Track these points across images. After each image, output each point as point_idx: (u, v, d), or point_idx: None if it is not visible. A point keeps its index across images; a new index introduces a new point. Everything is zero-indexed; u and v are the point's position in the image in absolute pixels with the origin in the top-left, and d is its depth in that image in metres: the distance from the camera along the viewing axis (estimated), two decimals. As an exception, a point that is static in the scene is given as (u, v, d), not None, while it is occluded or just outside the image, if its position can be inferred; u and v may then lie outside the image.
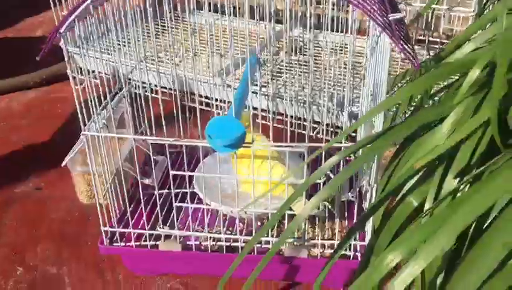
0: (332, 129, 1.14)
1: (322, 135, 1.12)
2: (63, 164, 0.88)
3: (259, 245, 0.84)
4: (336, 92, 1.16)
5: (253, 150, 0.73)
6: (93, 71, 0.84)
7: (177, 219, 0.87)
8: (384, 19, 0.64)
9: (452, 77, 0.69)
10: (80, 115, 0.75)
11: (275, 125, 0.90)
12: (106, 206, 0.86)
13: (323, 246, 0.83)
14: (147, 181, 0.91)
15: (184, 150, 0.74)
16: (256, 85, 0.95)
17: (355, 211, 0.86)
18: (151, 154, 0.93)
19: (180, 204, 0.80)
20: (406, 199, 0.64)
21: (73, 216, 1.05)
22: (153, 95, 1.15)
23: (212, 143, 0.71)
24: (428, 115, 0.55)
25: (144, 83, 0.91)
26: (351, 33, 0.73)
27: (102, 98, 0.81)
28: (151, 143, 0.99)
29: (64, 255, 0.98)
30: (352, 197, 0.87)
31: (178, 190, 0.89)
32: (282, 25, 1.50)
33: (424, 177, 0.64)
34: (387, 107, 0.68)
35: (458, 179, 0.59)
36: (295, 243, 0.82)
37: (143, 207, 0.83)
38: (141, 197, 0.82)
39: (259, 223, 0.88)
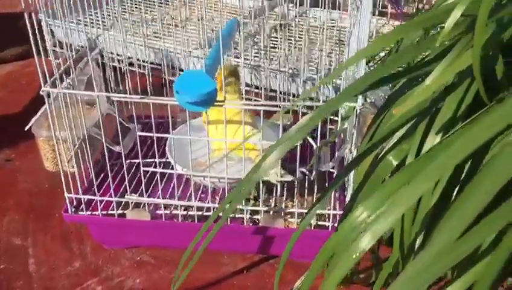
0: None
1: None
2: (27, 127, 0.83)
3: (233, 215, 0.80)
4: (323, 66, 1.12)
5: (226, 108, 0.68)
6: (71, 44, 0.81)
7: (149, 189, 0.82)
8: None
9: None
10: (40, 75, 0.70)
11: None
12: (74, 174, 0.81)
13: (301, 215, 0.78)
14: (117, 149, 0.85)
15: (152, 112, 0.69)
16: (236, 49, 0.90)
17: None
18: (119, 119, 0.88)
19: (146, 168, 0.75)
20: (385, 158, 0.59)
21: (42, 187, 1.00)
22: (132, 68, 1.11)
23: (179, 99, 0.66)
24: (408, 56, 0.50)
25: (115, 53, 0.86)
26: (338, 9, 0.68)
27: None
28: (124, 113, 0.95)
29: (31, 227, 0.93)
30: (333, 167, 0.82)
31: (150, 160, 0.84)
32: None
33: (406, 135, 0.59)
34: (364, 56, 0.63)
35: (441, 134, 0.54)
36: (271, 212, 0.78)
37: (109, 174, 0.78)
38: (107, 164, 0.77)
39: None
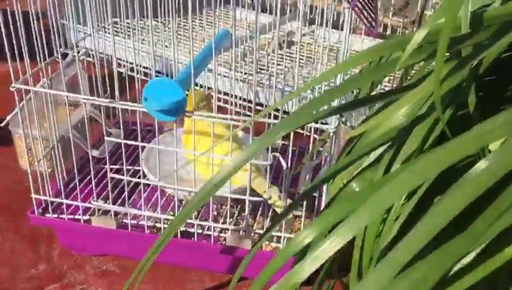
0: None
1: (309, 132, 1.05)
2: (3, 123, 0.82)
3: (201, 232, 0.77)
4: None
5: (195, 120, 0.66)
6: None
7: (121, 197, 0.80)
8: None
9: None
10: (11, 71, 0.69)
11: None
12: (50, 174, 0.80)
13: (271, 237, 0.75)
14: (93, 153, 0.84)
15: (120, 114, 0.67)
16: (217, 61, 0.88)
17: (316, 203, 0.79)
18: (102, 123, 0.86)
19: (114, 175, 0.73)
20: (348, 185, 0.56)
21: (21, 186, 0.98)
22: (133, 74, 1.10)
23: (147, 106, 0.64)
24: (366, 78, 0.47)
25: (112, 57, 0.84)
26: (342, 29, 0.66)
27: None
28: (110, 118, 0.93)
29: (2, 225, 0.91)
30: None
31: (130, 167, 0.82)
32: (274, 16, 1.44)
33: (372, 163, 0.56)
34: (338, 72, 0.60)
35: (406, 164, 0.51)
36: (241, 232, 0.75)
37: (76, 178, 0.76)
38: (75, 168, 0.75)
39: (215, 207, 0.80)
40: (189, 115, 0.65)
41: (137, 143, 0.69)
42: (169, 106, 0.63)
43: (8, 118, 0.82)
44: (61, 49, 0.80)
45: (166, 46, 1.32)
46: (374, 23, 0.54)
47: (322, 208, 0.72)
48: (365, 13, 0.54)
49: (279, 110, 1.01)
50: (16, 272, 0.81)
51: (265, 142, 0.50)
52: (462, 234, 0.36)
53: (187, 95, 0.67)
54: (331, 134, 0.64)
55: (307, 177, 0.83)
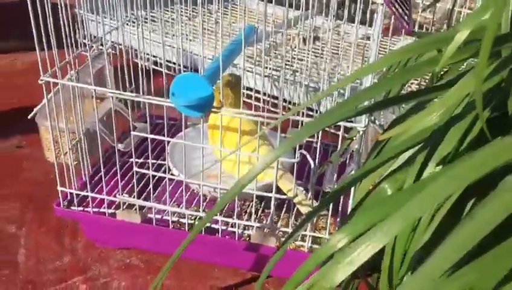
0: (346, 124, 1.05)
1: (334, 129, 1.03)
2: (30, 116, 0.82)
3: (225, 228, 0.76)
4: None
5: (222, 115, 0.65)
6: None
7: (146, 191, 0.80)
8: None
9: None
10: (40, 64, 0.69)
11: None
12: (75, 167, 0.80)
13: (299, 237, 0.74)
14: (120, 146, 0.84)
15: (147, 108, 0.67)
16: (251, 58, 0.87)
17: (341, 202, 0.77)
18: (128, 117, 0.86)
19: (138, 170, 0.72)
20: (380, 186, 0.55)
21: (47, 178, 1.00)
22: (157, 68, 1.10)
23: (174, 101, 0.63)
24: (402, 78, 0.46)
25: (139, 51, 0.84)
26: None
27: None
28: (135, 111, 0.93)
29: (28, 216, 0.92)
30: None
31: (147, 161, 0.82)
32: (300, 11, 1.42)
33: (404, 164, 0.55)
34: (369, 72, 0.59)
35: (441, 167, 0.50)
36: (265, 229, 0.74)
37: (102, 172, 0.76)
38: (100, 162, 0.75)
39: (239, 204, 0.79)
40: (217, 111, 0.65)
41: (164, 138, 0.69)
42: (197, 101, 0.62)
43: (35, 110, 0.82)
44: (88, 42, 0.80)
45: (190, 40, 1.32)
46: (408, 19, 0.53)
47: (349, 209, 0.71)
48: (399, 9, 0.53)
49: (297, 105, 1.00)
50: (41, 264, 0.82)
51: (295, 141, 0.49)
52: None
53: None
54: (361, 133, 0.63)
55: (334, 176, 0.82)
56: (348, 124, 0.64)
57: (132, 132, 0.70)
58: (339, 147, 0.68)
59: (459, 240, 0.34)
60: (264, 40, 0.62)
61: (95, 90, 0.69)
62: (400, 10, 0.52)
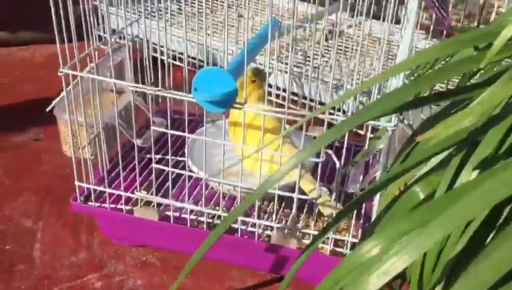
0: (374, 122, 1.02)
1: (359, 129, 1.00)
2: (48, 108, 0.81)
3: (245, 228, 0.74)
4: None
5: (245, 112, 0.63)
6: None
7: (164, 187, 0.78)
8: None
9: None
10: (60, 57, 0.67)
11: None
12: (93, 161, 0.79)
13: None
14: (138, 142, 0.82)
15: (168, 103, 0.65)
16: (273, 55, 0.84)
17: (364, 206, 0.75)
18: (147, 112, 0.84)
19: (157, 166, 0.70)
20: (411, 189, 0.52)
21: (64, 171, 0.98)
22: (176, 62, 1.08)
23: (196, 96, 0.61)
24: (443, 75, 0.43)
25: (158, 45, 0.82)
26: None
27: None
28: (153, 106, 0.91)
29: (45, 210, 0.90)
30: (363, 189, 0.76)
31: (166, 156, 0.80)
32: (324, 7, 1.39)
33: (438, 166, 0.52)
34: (400, 71, 0.56)
35: (478, 171, 0.47)
36: (286, 230, 0.72)
37: (120, 167, 0.74)
38: (119, 157, 0.73)
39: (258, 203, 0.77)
40: (240, 107, 0.62)
41: (184, 134, 0.67)
42: (220, 96, 0.60)
43: (53, 102, 0.81)
44: (105, 35, 0.78)
45: (208, 35, 1.30)
46: (445, 14, 0.50)
47: (374, 212, 0.68)
48: (437, 3, 0.50)
49: (317, 102, 0.97)
50: (56, 259, 0.81)
51: (322, 142, 0.47)
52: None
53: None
54: (390, 132, 0.60)
55: (359, 177, 0.80)
56: (377, 123, 0.61)
57: (152, 127, 0.68)
58: (365, 146, 0.66)
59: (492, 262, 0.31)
60: (291, 33, 0.59)
61: (115, 83, 0.68)
62: (437, 3, 0.49)
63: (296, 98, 1.06)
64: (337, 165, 0.64)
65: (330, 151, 0.65)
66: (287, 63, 1.11)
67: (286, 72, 1.12)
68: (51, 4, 0.63)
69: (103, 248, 0.83)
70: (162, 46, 1.24)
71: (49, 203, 0.92)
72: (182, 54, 1.27)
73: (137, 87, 0.66)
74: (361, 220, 0.76)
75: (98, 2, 1.23)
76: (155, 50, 0.93)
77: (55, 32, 0.65)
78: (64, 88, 0.69)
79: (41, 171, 1.00)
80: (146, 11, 1.20)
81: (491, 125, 0.47)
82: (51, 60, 1.37)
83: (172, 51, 1.27)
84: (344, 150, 0.62)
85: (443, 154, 0.51)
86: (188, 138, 0.75)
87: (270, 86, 1.11)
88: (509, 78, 0.43)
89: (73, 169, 0.76)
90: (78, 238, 0.85)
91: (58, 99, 0.79)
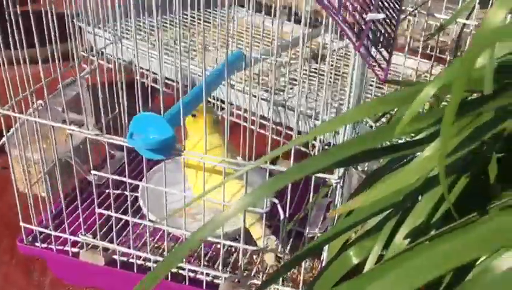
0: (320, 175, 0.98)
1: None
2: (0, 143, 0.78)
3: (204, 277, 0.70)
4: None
5: (184, 160, 0.60)
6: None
7: (122, 232, 0.75)
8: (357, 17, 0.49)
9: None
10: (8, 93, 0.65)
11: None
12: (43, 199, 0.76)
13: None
14: (90, 177, 0.79)
15: (107, 147, 0.62)
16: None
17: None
18: (82, 172, 0.80)
19: (101, 211, 0.67)
20: (345, 253, 0.48)
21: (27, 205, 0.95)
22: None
23: (131, 143, 0.58)
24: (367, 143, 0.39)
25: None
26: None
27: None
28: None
29: (1, 246, 0.87)
30: (322, 233, 0.72)
31: (124, 192, 0.77)
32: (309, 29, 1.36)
33: (372, 230, 0.48)
34: (341, 125, 0.53)
35: (409, 239, 0.43)
36: (236, 279, 0.68)
37: (64, 210, 0.71)
38: (61, 197, 0.70)
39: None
40: (179, 154, 0.59)
41: (125, 179, 0.63)
42: (156, 144, 0.57)
43: (4, 138, 0.78)
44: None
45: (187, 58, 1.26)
46: (387, 64, 0.46)
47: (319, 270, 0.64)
48: (376, 52, 0.46)
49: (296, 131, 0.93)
50: (5, 300, 0.78)
51: (263, 193, 0.43)
52: None
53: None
54: (334, 185, 0.56)
55: (319, 218, 0.76)
56: (324, 176, 0.58)
57: (93, 172, 0.65)
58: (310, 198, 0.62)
59: None
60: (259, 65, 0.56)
61: (64, 121, 0.65)
62: (377, 53, 0.46)
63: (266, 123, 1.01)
64: (281, 216, 0.60)
65: (276, 200, 0.61)
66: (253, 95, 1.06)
67: (264, 99, 1.08)
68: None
69: (54, 288, 0.80)
70: (147, 70, 1.20)
71: (7, 237, 0.89)
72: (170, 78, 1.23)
73: (73, 130, 0.63)
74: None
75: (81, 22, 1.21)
76: (135, 72, 0.89)
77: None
78: (4, 131, 0.66)
79: (5, 201, 0.97)
80: (127, 31, 1.18)
81: (426, 189, 0.44)
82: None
83: (153, 73, 1.24)
84: (287, 204, 0.58)
85: (381, 215, 0.48)
86: (141, 179, 0.72)
87: (245, 110, 1.06)
88: (436, 148, 0.39)
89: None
90: (29, 277, 0.82)
91: (9, 133, 0.77)
